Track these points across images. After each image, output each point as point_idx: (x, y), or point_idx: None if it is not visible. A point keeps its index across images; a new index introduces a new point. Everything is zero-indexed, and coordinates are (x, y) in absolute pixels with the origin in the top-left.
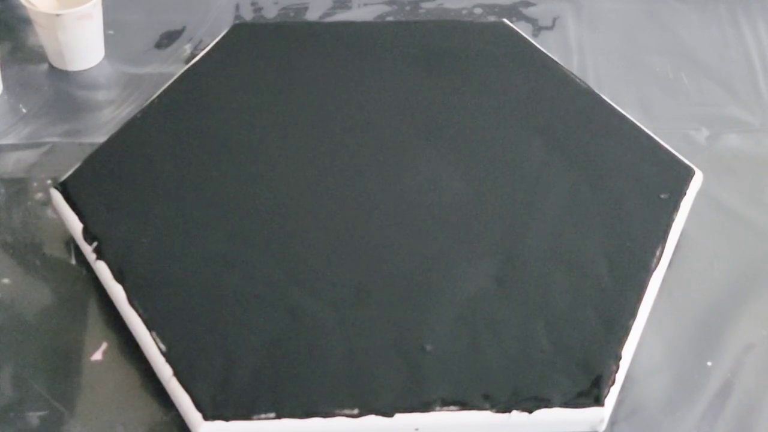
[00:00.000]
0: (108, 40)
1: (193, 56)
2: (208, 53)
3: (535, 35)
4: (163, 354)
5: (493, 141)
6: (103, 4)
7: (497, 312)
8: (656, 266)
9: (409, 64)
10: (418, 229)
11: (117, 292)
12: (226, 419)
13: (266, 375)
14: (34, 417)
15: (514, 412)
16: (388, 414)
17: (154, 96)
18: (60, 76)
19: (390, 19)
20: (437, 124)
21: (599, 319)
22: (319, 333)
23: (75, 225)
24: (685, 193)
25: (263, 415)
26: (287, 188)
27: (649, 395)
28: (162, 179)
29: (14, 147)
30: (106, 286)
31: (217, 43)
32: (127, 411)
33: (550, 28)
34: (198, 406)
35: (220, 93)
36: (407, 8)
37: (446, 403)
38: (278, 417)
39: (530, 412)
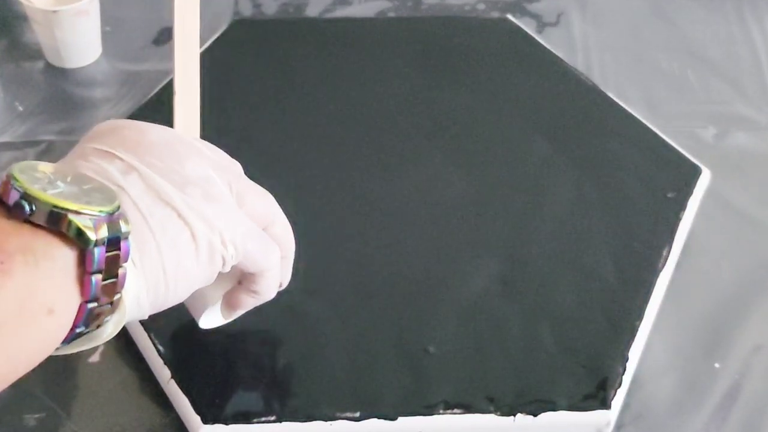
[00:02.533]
0: (105, 36)
1: None
2: (206, 50)
3: (539, 32)
4: (162, 356)
5: (496, 139)
6: (100, 0)
7: (501, 313)
8: (663, 266)
9: (411, 60)
10: (421, 229)
11: None
12: (226, 422)
13: (266, 378)
14: (31, 419)
15: (519, 415)
16: (391, 417)
17: (152, 93)
18: (57, 73)
19: (391, 15)
20: (439, 121)
21: (605, 320)
22: (320, 335)
23: None
24: (692, 192)
25: (263, 419)
26: (287, 186)
27: (655, 397)
28: None
29: (10, 145)
30: None
31: (216, 39)
32: (125, 413)
33: (555, 24)
34: (197, 409)
35: (218, 90)
36: (409, 4)
37: (450, 406)
38: (278, 420)
39: (535, 415)
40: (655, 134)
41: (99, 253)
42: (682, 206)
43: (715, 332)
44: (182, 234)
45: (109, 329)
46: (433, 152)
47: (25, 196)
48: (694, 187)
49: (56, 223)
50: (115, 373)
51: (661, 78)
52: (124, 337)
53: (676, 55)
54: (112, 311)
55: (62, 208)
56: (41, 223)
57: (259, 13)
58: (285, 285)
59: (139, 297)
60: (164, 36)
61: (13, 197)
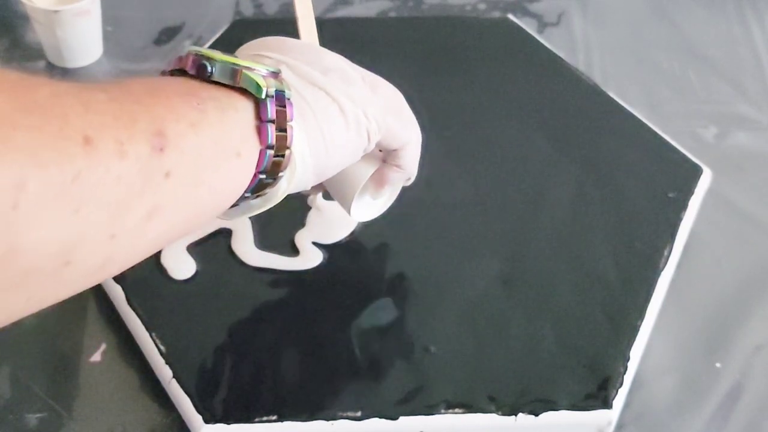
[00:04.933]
0: (106, 36)
1: None
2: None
3: (540, 31)
4: (163, 355)
5: (497, 139)
6: (101, 0)
7: (503, 313)
8: (664, 266)
9: (412, 60)
10: (422, 229)
11: (116, 293)
12: (228, 422)
13: (268, 377)
14: (32, 418)
15: (521, 415)
16: (392, 417)
17: None
18: (58, 73)
19: (392, 14)
20: (440, 121)
21: (607, 319)
22: (321, 334)
23: None
24: (693, 192)
25: (265, 418)
26: None
27: (657, 397)
28: None
29: None
30: (105, 287)
31: (217, 39)
32: (126, 413)
33: (556, 24)
34: (199, 409)
35: None
36: (410, 4)
37: (451, 405)
38: (280, 420)
39: (536, 414)
40: (656, 134)
41: (270, 104)
42: (683, 206)
43: (716, 332)
44: (332, 107)
45: (284, 185)
46: (435, 152)
47: (205, 58)
48: (695, 186)
49: (233, 77)
50: (116, 373)
51: (662, 78)
52: (125, 336)
53: (676, 54)
54: (285, 166)
55: (237, 65)
56: (220, 80)
57: (261, 12)
58: (413, 179)
59: (305, 156)
60: (165, 36)
61: (195, 61)
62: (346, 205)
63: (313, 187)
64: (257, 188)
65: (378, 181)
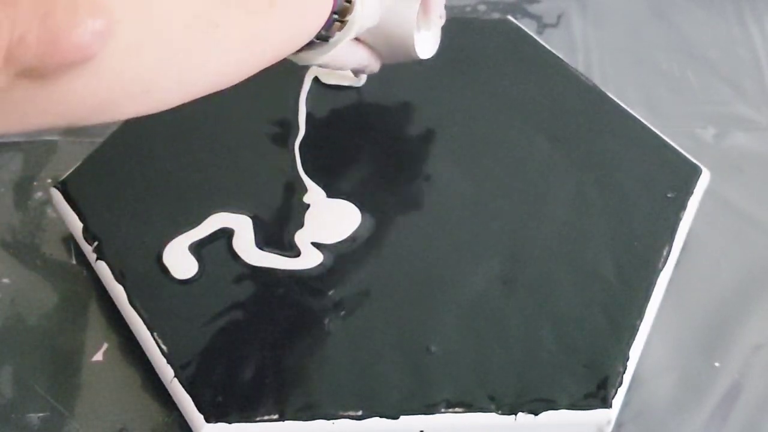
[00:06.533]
0: None
1: None
2: None
3: (539, 32)
4: (165, 355)
5: (496, 139)
6: None
7: (502, 312)
8: (663, 266)
9: (412, 61)
10: (422, 229)
11: (118, 293)
12: (229, 421)
13: (269, 376)
14: (34, 418)
15: (520, 414)
16: (393, 416)
17: None
18: None
19: None
20: (440, 122)
21: (606, 319)
22: (322, 334)
23: (75, 224)
24: (692, 192)
25: (266, 417)
26: (287, 187)
27: (655, 396)
28: (163, 178)
29: (14, 145)
30: (106, 287)
31: None
32: (128, 412)
33: (555, 25)
34: (200, 408)
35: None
36: None
37: (451, 404)
38: (281, 419)
39: (536, 414)
40: (655, 134)
41: None
42: (682, 206)
43: (714, 331)
44: None
45: (359, 8)
46: (434, 153)
47: None
48: (693, 187)
49: None
50: (118, 373)
51: (661, 78)
52: (127, 336)
53: (676, 55)
54: None
55: None
56: None
57: None
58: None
59: None
60: None
61: None
62: (410, 45)
63: (370, 59)
64: (341, 12)
65: (425, 9)
